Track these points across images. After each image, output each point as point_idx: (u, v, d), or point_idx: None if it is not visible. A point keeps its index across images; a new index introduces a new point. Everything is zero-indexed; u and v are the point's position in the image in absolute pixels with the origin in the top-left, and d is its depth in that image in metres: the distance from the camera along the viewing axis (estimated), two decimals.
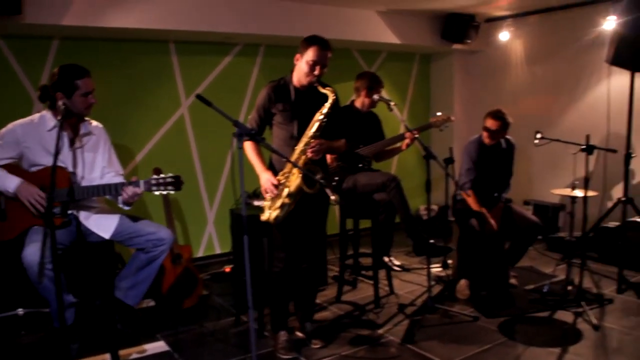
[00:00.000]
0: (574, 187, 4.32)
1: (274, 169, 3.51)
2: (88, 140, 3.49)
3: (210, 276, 5.37)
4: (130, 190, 3.27)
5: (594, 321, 3.93)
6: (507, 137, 4.78)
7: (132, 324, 3.87)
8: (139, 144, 5.52)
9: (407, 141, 4.47)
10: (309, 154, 3.35)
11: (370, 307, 4.47)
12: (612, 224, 5.33)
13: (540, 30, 6.53)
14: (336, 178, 4.43)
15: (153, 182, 3.31)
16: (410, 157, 7.13)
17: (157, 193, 3.33)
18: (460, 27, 6.54)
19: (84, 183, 3.40)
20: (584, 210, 4.29)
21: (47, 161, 3.26)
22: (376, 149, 4.64)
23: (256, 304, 4.04)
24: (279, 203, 3.39)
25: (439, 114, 4.73)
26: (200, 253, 5.96)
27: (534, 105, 6.70)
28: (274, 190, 3.36)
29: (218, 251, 6.06)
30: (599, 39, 5.69)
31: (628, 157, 4.65)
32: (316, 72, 3.39)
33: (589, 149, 4.31)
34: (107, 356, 3.51)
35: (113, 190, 3.29)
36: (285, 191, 3.37)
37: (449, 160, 4.64)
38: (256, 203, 4.47)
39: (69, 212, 3.33)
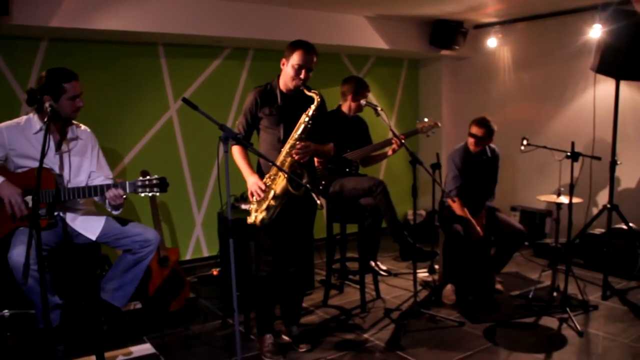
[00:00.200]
0: (559, 194, 4.36)
1: (261, 173, 3.53)
2: (75, 145, 3.48)
3: (198, 279, 5.36)
4: (111, 192, 3.27)
5: (579, 327, 3.95)
6: (492, 146, 4.82)
7: (119, 326, 3.87)
8: (127, 146, 5.51)
9: (394, 146, 4.49)
10: (295, 156, 3.37)
11: (356, 312, 4.49)
12: (598, 230, 5.38)
13: (528, 37, 6.59)
14: (323, 182, 4.45)
15: (139, 183, 3.32)
16: (398, 162, 7.16)
17: (143, 195, 3.33)
18: (448, 34, 6.59)
19: (70, 187, 3.38)
20: (569, 216, 4.33)
21: (33, 164, 3.25)
22: (363, 154, 4.66)
23: (242, 307, 4.04)
24: (265, 205, 3.40)
25: (425, 119, 4.76)
26: (188, 256, 5.96)
27: (521, 112, 6.76)
28: (261, 194, 3.37)
29: (206, 254, 6.06)
30: (585, 47, 5.74)
31: (613, 165, 4.70)
32: (302, 76, 3.41)
33: (574, 156, 4.34)
34: (93, 358, 3.49)
35: (99, 191, 3.28)
36: (271, 193, 3.38)
37: (436, 166, 4.66)
38: (243, 206, 4.48)
39: (55, 213, 3.33)
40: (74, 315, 3.77)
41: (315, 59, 3.44)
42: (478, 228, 4.53)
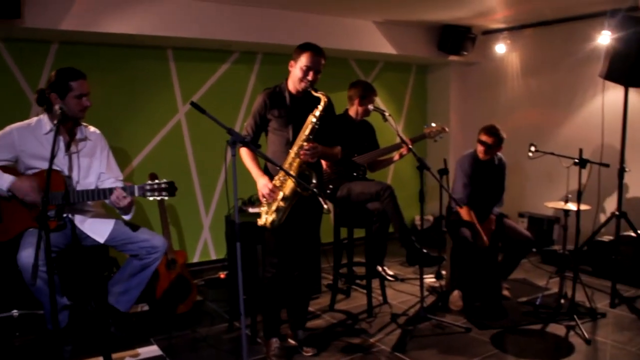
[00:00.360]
0: (567, 201, 4.34)
1: (269, 174, 3.54)
2: (84, 146, 3.50)
3: (205, 282, 5.38)
4: (114, 194, 3.27)
5: (586, 335, 3.93)
6: (499, 154, 4.81)
7: (126, 327, 3.89)
8: (135, 149, 5.54)
9: (401, 151, 4.49)
10: (302, 157, 3.38)
11: (363, 316, 4.48)
12: (606, 237, 5.36)
13: (537, 43, 6.59)
14: (330, 186, 4.45)
15: (147, 187, 3.32)
16: (405, 167, 7.16)
17: (151, 198, 3.35)
18: (456, 39, 6.59)
19: (79, 188, 3.41)
20: (577, 223, 4.31)
21: (43, 165, 3.27)
22: (370, 158, 4.67)
23: (249, 310, 4.05)
24: (274, 207, 3.42)
25: (433, 124, 4.77)
26: (195, 259, 5.97)
27: (529, 118, 6.74)
28: (272, 196, 3.38)
29: (213, 257, 6.07)
30: (594, 54, 5.73)
31: (622, 172, 4.68)
32: (309, 78, 3.43)
33: (582, 163, 4.34)
34: (100, 359, 3.52)
35: (108, 194, 3.30)
36: (280, 195, 3.39)
37: (444, 171, 4.66)
38: (251, 210, 4.49)
39: (64, 215, 3.35)
40: (82, 316, 3.79)
41: (323, 61, 3.46)
42: (484, 237, 4.52)
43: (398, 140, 4.37)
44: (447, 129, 4.79)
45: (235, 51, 6.01)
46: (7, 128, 3.35)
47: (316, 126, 3.43)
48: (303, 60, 3.41)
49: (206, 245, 6.05)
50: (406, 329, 4.20)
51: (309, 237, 3.73)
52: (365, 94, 4.58)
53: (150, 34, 4.96)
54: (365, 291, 4.59)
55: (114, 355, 3.59)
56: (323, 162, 3.93)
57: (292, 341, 3.91)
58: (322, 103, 3.44)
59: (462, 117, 7.52)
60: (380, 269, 4.83)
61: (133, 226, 3.55)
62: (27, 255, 3.06)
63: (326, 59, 3.51)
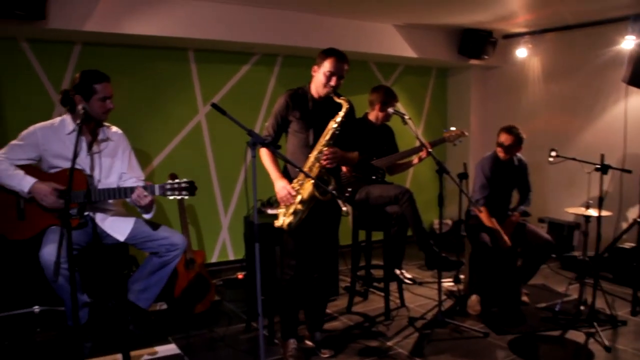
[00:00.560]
0: (588, 207, 4.30)
1: (288, 176, 3.55)
2: (106, 146, 3.54)
3: (223, 282, 5.41)
4: (135, 193, 3.31)
5: (606, 342, 3.89)
6: (519, 155, 4.79)
7: (145, 325, 3.91)
8: (156, 149, 5.59)
9: (420, 155, 4.48)
10: (323, 162, 3.39)
11: (380, 319, 4.48)
12: (628, 244, 5.30)
13: (558, 47, 6.54)
14: (349, 189, 4.46)
15: (168, 186, 3.36)
16: (424, 170, 7.14)
17: (171, 198, 3.38)
18: (477, 43, 6.57)
19: (100, 187, 3.45)
20: (598, 229, 4.27)
21: (65, 164, 3.33)
22: (389, 161, 4.66)
23: (267, 311, 4.07)
24: (292, 209, 3.43)
25: (452, 128, 4.75)
26: (213, 259, 6.01)
27: (550, 123, 6.69)
28: (289, 198, 3.40)
29: (231, 257, 6.10)
30: (617, 58, 5.68)
31: None
32: (332, 83, 3.44)
33: (604, 169, 4.30)
34: (119, 356, 3.55)
35: (129, 193, 3.33)
36: (298, 198, 3.41)
37: (463, 176, 4.64)
38: (270, 211, 4.51)
39: (86, 213, 3.40)
40: (102, 313, 3.83)
41: (346, 67, 3.47)
42: (506, 237, 4.50)
43: (417, 143, 4.36)
44: (466, 133, 4.77)
45: (256, 53, 6.04)
46: (31, 128, 3.40)
47: (337, 132, 3.44)
48: (326, 65, 3.42)
49: (224, 246, 6.08)
50: (424, 333, 4.19)
51: (328, 239, 3.74)
52: (387, 99, 4.57)
53: (171, 36, 5.00)
54: (382, 294, 4.58)
55: (133, 353, 3.62)
56: (342, 167, 3.93)
57: (309, 343, 3.92)
58: (343, 109, 3.45)
59: (482, 121, 7.48)
60: (398, 272, 4.81)
61: (153, 224, 3.58)
62: (49, 252, 3.11)
63: (349, 64, 3.52)
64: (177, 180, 3.37)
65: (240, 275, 5.38)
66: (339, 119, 3.44)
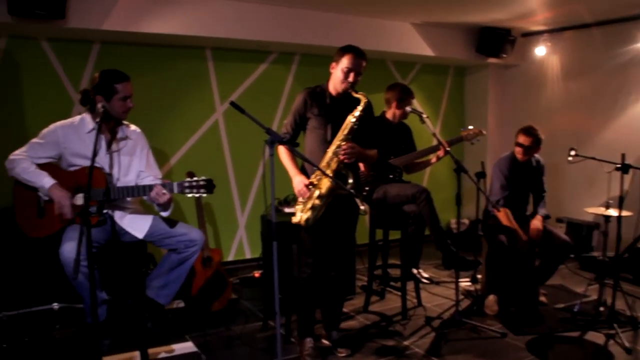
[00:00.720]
0: (608, 206, 4.26)
1: (306, 173, 3.55)
2: (125, 144, 3.57)
3: (240, 280, 5.42)
4: (154, 190, 3.33)
5: (627, 344, 3.84)
6: (537, 156, 4.75)
7: (162, 323, 3.94)
8: (173, 147, 5.61)
9: (438, 153, 4.46)
10: (341, 157, 3.39)
11: (397, 319, 4.47)
12: None
13: (577, 46, 6.47)
14: (367, 188, 4.44)
15: (186, 184, 3.38)
16: (442, 169, 7.11)
17: (189, 195, 3.40)
18: (495, 41, 6.52)
19: (119, 185, 3.47)
20: (618, 230, 4.22)
21: (85, 162, 3.36)
22: (407, 160, 4.64)
23: (284, 310, 4.07)
24: (309, 205, 3.42)
25: (470, 127, 4.72)
26: (230, 257, 6.02)
27: (569, 122, 6.62)
28: (307, 193, 3.40)
29: (248, 256, 6.12)
30: (637, 56, 5.61)
31: None
32: (350, 79, 3.44)
33: (624, 168, 4.24)
34: (137, 353, 3.57)
35: (148, 191, 3.36)
36: (316, 193, 3.40)
37: (481, 175, 4.61)
38: (287, 210, 4.51)
39: (105, 211, 3.42)
40: (120, 311, 3.86)
41: (364, 64, 3.47)
42: (522, 232, 4.47)
43: (435, 142, 4.34)
44: (484, 132, 4.74)
45: (274, 52, 6.05)
46: (52, 126, 3.43)
47: (355, 126, 3.44)
48: (344, 62, 3.43)
49: (241, 244, 6.10)
50: (441, 333, 4.17)
51: (345, 237, 3.73)
52: (403, 96, 4.55)
53: (189, 34, 5.03)
54: (399, 293, 4.57)
55: (150, 350, 3.63)
56: (360, 165, 3.92)
57: (325, 341, 3.91)
58: (362, 104, 3.45)
59: (500, 120, 7.43)
60: (415, 271, 4.80)
61: (171, 221, 3.61)
62: (68, 249, 3.14)
63: (367, 61, 3.51)
64: (195, 178, 3.39)
65: (256, 274, 5.40)
66: (357, 113, 3.44)
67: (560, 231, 5.01)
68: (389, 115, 4.63)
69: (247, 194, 6.08)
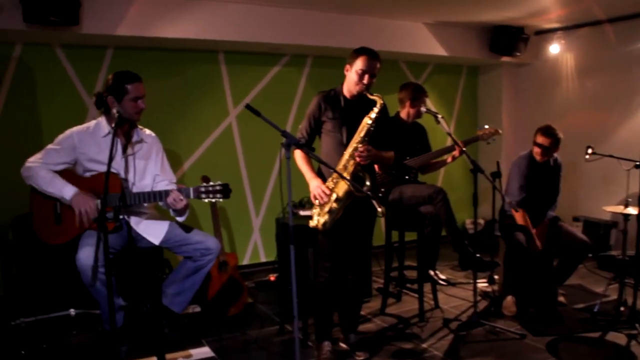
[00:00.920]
0: (627, 205, 4.20)
1: (322, 177, 3.53)
2: (140, 148, 3.56)
3: (255, 284, 5.42)
4: (170, 196, 3.32)
5: None
6: (555, 155, 4.69)
7: (179, 329, 3.94)
8: (187, 151, 5.62)
9: (454, 153, 4.43)
10: (358, 159, 3.37)
11: (414, 321, 4.44)
12: None
13: (592, 43, 6.41)
14: (382, 189, 4.42)
15: (202, 189, 3.36)
16: (457, 170, 7.07)
17: (206, 200, 3.38)
18: (509, 40, 6.47)
19: (135, 190, 3.47)
20: (638, 228, 4.16)
21: (100, 167, 3.35)
22: (422, 161, 4.61)
23: (301, 313, 4.04)
24: (327, 208, 3.40)
25: (486, 126, 4.68)
26: (245, 261, 6.02)
27: (585, 120, 6.56)
28: (324, 197, 3.38)
29: (263, 259, 6.11)
30: None
31: None
32: (365, 81, 3.42)
33: None
34: (154, 359, 3.57)
35: (164, 196, 3.35)
36: (334, 196, 3.38)
37: (496, 174, 4.57)
38: (302, 213, 4.50)
39: (121, 217, 3.41)
40: (137, 317, 3.86)
41: (378, 65, 3.45)
42: (538, 241, 4.42)
43: (450, 142, 4.31)
44: (500, 131, 4.70)
45: (286, 54, 6.04)
46: (68, 132, 3.43)
47: (371, 128, 3.42)
48: (359, 64, 3.41)
49: (256, 248, 6.09)
50: (459, 335, 4.14)
51: (363, 240, 3.71)
52: (416, 95, 4.53)
53: (202, 38, 5.03)
54: (416, 295, 4.54)
55: (167, 356, 3.63)
56: (375, 166, 3.90)
57: (343, 345, 3.89)
58: (378, 105, 3.43)
59: (514, 119, 7.37)
60: (432, 273, 4.76)
61: (187, 228, 3.59)
62: (85, 256, 3.12)
63: (381, 62, 3.49)
64: (211, 183, 3.37)
65: (272, 278, 5.38)
66: (373, 114, 3.42)
67: (577, 230, 4.95)
68: (403, 114, 4.61)
69: (261, 197, 6.07)
